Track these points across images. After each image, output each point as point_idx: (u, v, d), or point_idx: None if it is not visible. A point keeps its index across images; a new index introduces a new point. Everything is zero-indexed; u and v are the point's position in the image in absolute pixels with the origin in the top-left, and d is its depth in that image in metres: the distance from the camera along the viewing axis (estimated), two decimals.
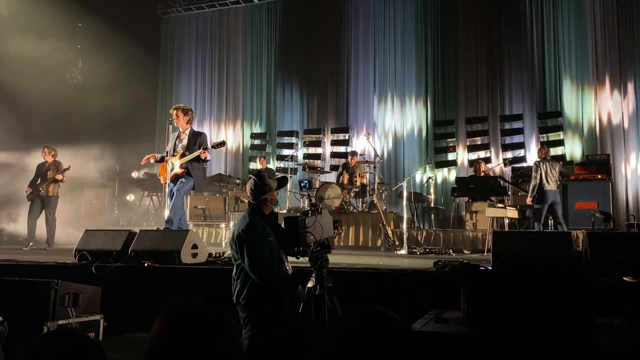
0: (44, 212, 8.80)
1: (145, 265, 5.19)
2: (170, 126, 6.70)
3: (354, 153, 10.87)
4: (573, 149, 10.96)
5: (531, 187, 8.37)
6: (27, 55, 10.46)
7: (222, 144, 6.60)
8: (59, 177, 8.72)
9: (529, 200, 8.41)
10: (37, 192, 8.74)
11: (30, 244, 8.60)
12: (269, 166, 12.16)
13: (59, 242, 9.26)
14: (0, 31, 10.63)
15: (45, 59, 10.79)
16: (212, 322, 1.45)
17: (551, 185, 8.24)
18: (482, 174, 10.00)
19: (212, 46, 14.71)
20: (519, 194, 9.25)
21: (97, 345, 1.45)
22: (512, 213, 8.32)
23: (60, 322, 4.08)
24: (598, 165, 9.44)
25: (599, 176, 9.21)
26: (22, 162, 9.51)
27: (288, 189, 10.66)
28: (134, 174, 12.27)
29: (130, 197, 12.32)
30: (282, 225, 3.94)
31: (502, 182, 9.20)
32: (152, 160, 6.76)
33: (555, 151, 10.41)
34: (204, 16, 14.89)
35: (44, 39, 10.75)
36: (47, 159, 8.90)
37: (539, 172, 8.29)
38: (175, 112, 6.60)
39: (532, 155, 11.17)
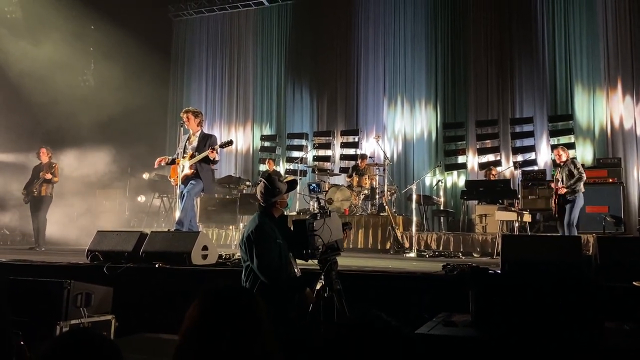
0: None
1: (156, 266, 5.24)
2: (181, 129, 6.77)
3: (363, 156, 10.91)
4: (584, 152, 10.89)
5: (575, 181, 7.41)
6: (40, 57, 10.58)
7: (230, 143, 6.65)
8: (48, 176, 8.68)
9: (563, 190, 7.53)
10: (31, 194, 8.78)
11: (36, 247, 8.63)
12: (276, 169, 12.19)
13: (71, 242, 9.35)
14: (14, 33, 10.78)
15: (57, 62, 10.91)
16: (245, 304, 1.60)
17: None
18: (492, 178, 9.96)
19: (223, 48, 14.81)
20: (529, 197, 9.20)
21: (115, 345, 1.49)
22: (522, 216, 8.27)
23: (73, 321, 4.13)
24: (609, 168, 9.37)
25: (610, 180, 9.15)
26: (32, 163, 9.58)
27: (298, 191, 10.70)
28: (145, 176, 12.36)
29: (141, 199, 12.42)
30: (292, 228, 3.96)
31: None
32: (163, 163, 6.84)
33: None
34: (215, 19, 14.99)
35: (56, 41, 10.88)
36: (42, 159, 8.91)
37: (579, 169, 7.41)
38: (185, 115, 6.67)
39: (542, 158, 11.14)
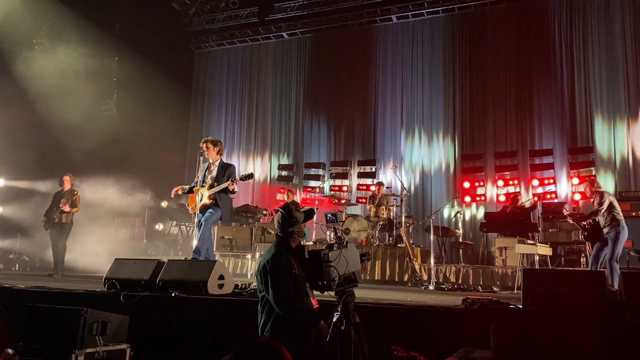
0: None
1: (173, 295, 5.22)
2: (201, 158, 6.84)
3: (380, 183, 10.88)
4: (606, 185, 10.69)
5: (588, 214, 7.31)
6: (64, 87, 10.84)
7: (250, 176, 6.67)
8: (66, 209, 8.80)
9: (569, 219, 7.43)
10: (52, 221, 8.90)
11: (55, 274, 8.71)
12: (290, 197, 12.13)
13: (89, 269, 9.40)
14: (40, 63, 11.08)
15: (80, 91, 11.18)
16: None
17: None
18: (521, 206, 9.68)
19: (243, 79, 15.07)
20: (550, 230, 9.05)
21: None
22: (543, 250, 8.12)
23: (88, 350, 4.12)
24: (632, 202, 9.19)
25: (634, 214, 8.96)
26: (54, 190, 9.73)
27: (314, 221, 10.68)
28: (164, 204, 12.47)
29: (159, 227, 12.50)
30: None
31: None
32: (180, 192, 6.88)
33: None
34: (235, 51, 15.30)
35: (80, 71, 11.16)
36: (65, 186, 9.05)
37: (600, 202, 7.16)
38: (205, 144, 6.74)
39: (562, 191, 11.00)
